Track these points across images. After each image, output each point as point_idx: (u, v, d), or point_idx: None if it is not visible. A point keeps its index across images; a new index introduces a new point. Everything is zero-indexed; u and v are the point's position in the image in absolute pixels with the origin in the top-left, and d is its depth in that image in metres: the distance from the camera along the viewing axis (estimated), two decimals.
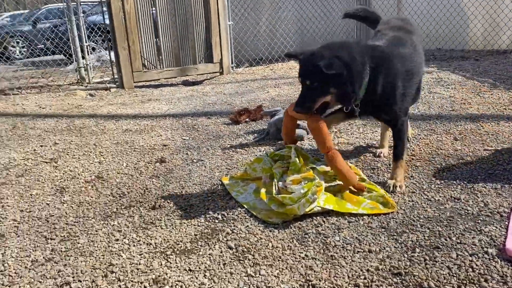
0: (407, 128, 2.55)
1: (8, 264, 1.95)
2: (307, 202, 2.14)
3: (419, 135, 3.41)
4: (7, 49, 13.70)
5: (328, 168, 2.46)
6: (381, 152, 3.02)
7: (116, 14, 6.14)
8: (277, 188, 2.31)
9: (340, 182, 2.38)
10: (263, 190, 2.35)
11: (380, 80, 2.34)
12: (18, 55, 14.57)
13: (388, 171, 2.74)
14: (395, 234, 2.01)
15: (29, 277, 1.84)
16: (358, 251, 1.89)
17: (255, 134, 3.71)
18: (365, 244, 1.94)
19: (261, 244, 1.99)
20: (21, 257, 2.00)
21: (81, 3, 7.06)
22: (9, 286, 1.79)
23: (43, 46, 12.70)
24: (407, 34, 2.66)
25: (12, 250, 2.06)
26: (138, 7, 6.34)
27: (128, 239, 2.11)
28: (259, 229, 2.12)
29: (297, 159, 2.45)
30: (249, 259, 1.88)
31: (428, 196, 2.38)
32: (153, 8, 6.61)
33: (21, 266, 1.93)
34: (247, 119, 4.06)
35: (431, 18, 8.00)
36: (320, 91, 2.25)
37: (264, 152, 3.14)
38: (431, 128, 3.57)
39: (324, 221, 2.15)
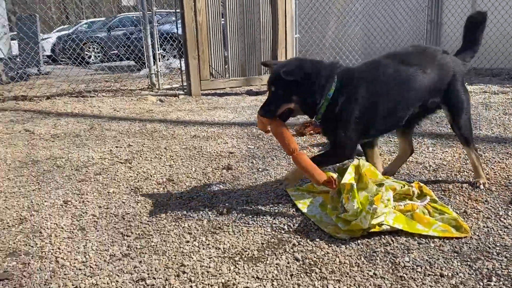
0: (338, 158, 2.63)
1: (89, 256, 2.10)
2: (368, 214, 2.11)
3: (493, 158, 3.25)
4: (84, 54, 14.72)
5: (398, 186, 2.42)
6: (479, 183, 2.76)
7: (189, 24, 6.41)
8: (343, 205, 2.30)
9: (411, 202, 2.33)
10: (330, 206, 2.36)
11: (340, 100, 2.40)
12: (92, 60, 15.58)
13: (461, 193, 2.64)
14: (468, 260, 1.94)
15: (108, 270, 1.97)
16: (429, 274, 1.84)
17: (320, 147, 3.71)
18: (437, 268, 1.88)
19: (328, 259, 1.99)
20: (101, 251, 2.14)
21: (155, 13, 7.44)
22: (91, 277, 1.92)
23: (116, 52, 13.48)
24: (398, 64, 2.54)
25: (92, 243, 2.22)
26: (209, 18, 6.58)
27: (198, 242, 2.20)
28: (326, 243, 2.13)
29: (351, 176, 2.40)
30: (316, 273, 1.89)
31: (505, 223, 2.26)
32: (223, 19, 6.84)
33: (100, 259, 2.07)
34: (312, 131, 4.05)
35: (508, 35, 7.60)
36: (283, 98, 2.40)
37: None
38: (507, 151, 3.39)
39: (392, 241, 2.12)
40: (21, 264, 2.04)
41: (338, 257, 2.00)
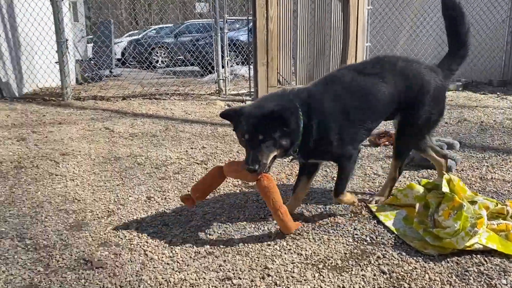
0: (353, 166, 2.48)
1: (175, 251, 2.17)
2: (467, 236, 2.02)
3: None
4: (152, 58, 15.40)
5: (491, 204, 2.29)
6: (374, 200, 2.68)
7: (260, 31, 6.49)
8: (432, 220, 2.21)
9: (505, 222, 2.19)
10: (416, 219, 2.28)
11: (313, 122, 2.23)
12: (159, 64, 16.22)
13: None
14: None
15: (195, 267, 2.02)
16: None
17: None
18: None
19: (416, 274, 1.92)
20: (186, 247, 2.20)
21: (227, 20, 7.62)
22: (179, 272, 1.98)
23: (183, 57, 13.94)
24: (355, 74, 2.42)
25: (177, 239, 2.29)
26: (280, 26, 6.63)
27: (279, 246, 2.20)
28: (412, 258, 2.05)
29: (447, 189, 2.32)
30: (404, 287, 1.83)
31: None
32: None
33: (186, 255, 2.13)
34: (387, 142, 3.97)
35: None
36: (273, 145, 2.12)
37: (416, 179, 3.04)
38: None
39: (486, 261, 2.00)
40: (113, 254, 2.15)
41: (428, 273, 1.93)
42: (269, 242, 2.24)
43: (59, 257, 2.12)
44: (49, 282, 1.92)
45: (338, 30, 6.91)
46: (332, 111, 2.29)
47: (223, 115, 2.30)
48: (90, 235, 2.36)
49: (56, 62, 7.01)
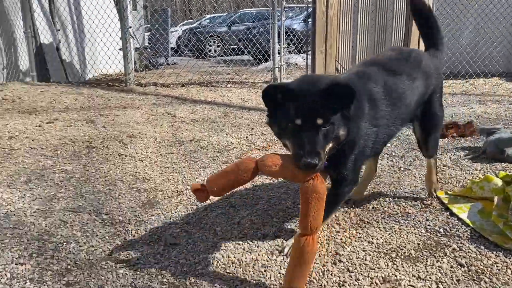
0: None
1: (244, 232, 2.20)
2: None
3: None
4: (205, 47, 15.63)
5: None
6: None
7: (319, 19, 6.40)
8: None
9: None
10: (495, 213, 2.17)
11: (359, 116, 1.84)
12: (212, 53, 16.41)
13: None
14: None
15: (265, 248, 2.04)
16: None
17: (466, 151, 3.44)
18: None
19: (497, 269, 1.84)
20: (254, 229, 2.23)
21: (285, 9, 7.57)
22: (250, 252, 2.01)
23: (240, 45, 14.02)
24: (381, 71, 2.10)
25: (245, 221, 2.32)
26: (340, 13, 6.50)
27: (348, 233, 2.18)
28: (492, 252, 1.96)
29: None
30: (485, 282, 1.76)
31: None
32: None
33: (255, 237, 2.16)
34: (455, 133, 3.80)
35: None
36: (332, 133, 1.65)
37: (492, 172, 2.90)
38: None
39: None
40: (185, 232, 2.21)
41: (510, 268, 1.84)
42: (338, 230, 2.22)
43: (135, 232, 2.21)
44: (127, 255, 2.01)
45: (400, 17, 6.67)
46: (369, 112, 1.93)
47: (266, 92, 1.70)
48: (162, 213, 2.44)
49: (120, 49, 7.28)
